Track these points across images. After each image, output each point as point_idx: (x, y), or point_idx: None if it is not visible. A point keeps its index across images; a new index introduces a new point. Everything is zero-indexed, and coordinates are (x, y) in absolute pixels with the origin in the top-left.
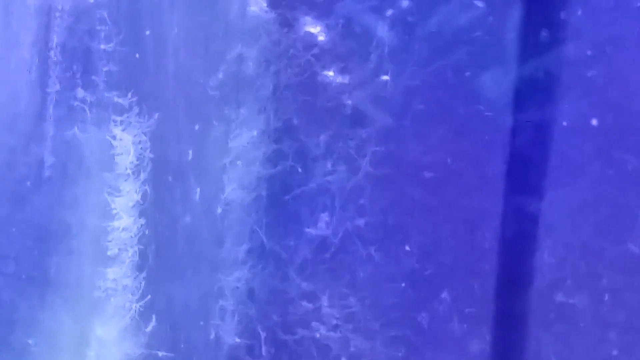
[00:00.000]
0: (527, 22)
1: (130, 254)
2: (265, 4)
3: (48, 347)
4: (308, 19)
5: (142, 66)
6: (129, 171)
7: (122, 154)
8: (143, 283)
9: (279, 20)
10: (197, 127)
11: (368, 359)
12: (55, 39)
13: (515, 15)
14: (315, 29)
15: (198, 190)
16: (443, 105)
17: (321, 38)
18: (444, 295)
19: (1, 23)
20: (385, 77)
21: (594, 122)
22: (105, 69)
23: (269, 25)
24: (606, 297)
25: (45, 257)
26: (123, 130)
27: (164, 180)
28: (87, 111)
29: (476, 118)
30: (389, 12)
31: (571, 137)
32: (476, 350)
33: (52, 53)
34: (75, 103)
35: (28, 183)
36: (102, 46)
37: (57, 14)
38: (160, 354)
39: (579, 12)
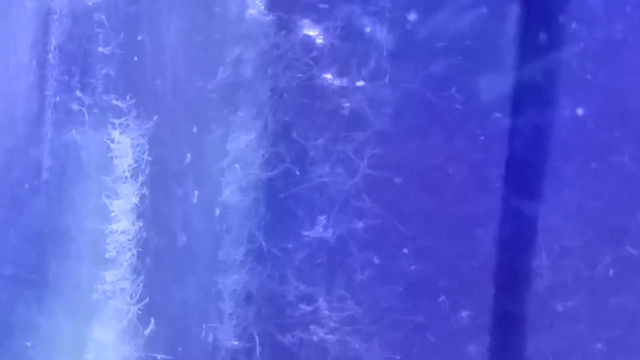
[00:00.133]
0: (525, 25)
1: (128, 257)
2: (263, 7)
3: (46, 350)
4: (306, 22)
5: (140, 69)
6: (127, 174)
7: (120, 156)
8: (141, 286)
9: (277, 23)
10: (195, 129)
11: None
12: (53, 42)
13: (513, 19)
14: (313, 32)
15: (196, 192)
16: (441, 108)
17: (319, 41)
18: (442, 298)
19: None
20: (384, 80)
21: (592, 124)
22: (103, 71)
23: (267, 28)
24: (605, 300)
25: (44, 260)
26: (121, 133)
27: (162, 183)
28: (86, 114)
29: (474, 121)
30: (387, 16)
31: (569, 139)
32: (474, 353)
33: (50, 56)
34: (74, 106)
35: (26, 186)
36: (101, 49)
37: (56, 17)
38: (158, 356)
39: (577, 15)
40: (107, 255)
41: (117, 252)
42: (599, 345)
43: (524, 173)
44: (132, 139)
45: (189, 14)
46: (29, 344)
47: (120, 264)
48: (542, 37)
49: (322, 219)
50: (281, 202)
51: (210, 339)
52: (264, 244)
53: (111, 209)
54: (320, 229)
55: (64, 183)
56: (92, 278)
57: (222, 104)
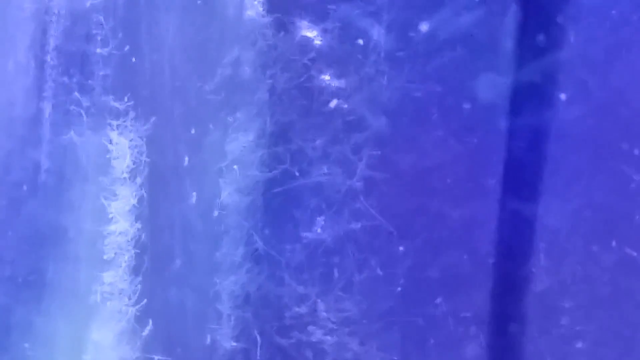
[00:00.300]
0: (523, 26)
1: (126, 258)
2: (261, 8)
3: (44, 351)
4: (304, 23)
5: (138, 70)
6: (125, 175)
7: (118, 157)
8: (139, 287)
9: (276, 25)
10: (193, 131)
11: None
12: (51, 43)
13: (511, 20)
14: (311, 33)
15: (194, 194)
16: (438, 109)
17: (317, 42)
18: (440, 299)
19: None
20: (381, 81)
21: (590, 125)
22: (101, 73)
23: (265, 29)
24: (603, 301)
25: (42, 261)
26: (119, 134)
27: (160, 184)
28: (84, 115)
29: (472, 122)
30: (385, 17)
31: (567, 142)
32: (472, 355)
33: (48, 57)
34: (72, 107)
35: (24, 187)
36: (99, 50)
37: (54, 18)
38: (156, 357)
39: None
40: (105, 257)
41: (115, 253)
42: (597, 346)
43: (522, 175)
44: (131, 140)
45: (187, 15)
46: (27, 345)
47: (119, 265)
48: (541, 38)
49: (320, 220)
50: (279, 203)
51: (208, 340)
52: (262, 245)
53: (109, 210)
54: (318, 230)
55: (62, 184)
56: (90, 279)
57: (220, 105)
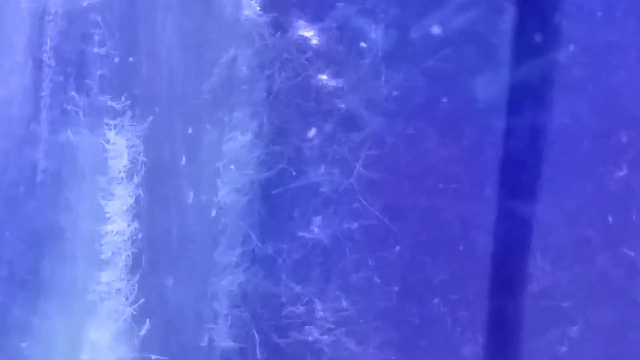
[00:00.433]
0: (520, 26)
1: (123, 258)
2: (258, 8)
3: (41, 351)
4: (301, 22)
5: (135, 70)
6: (122, 175)
7: (115, 157)
8: (136, 286)
9: (273, 24)
10: (190, 130)
11: None
12: (48, 43)
13: (508, 20)
14: (308, 33)
15: (191, 193)
16: (436, 109)
17: (314, 42)
18: (437, 299)
19: None
20: (379, 81)
21: (588, 125)
22: (98, 72)
23: (262, 29)
24: (600, 301)
25: (39, 261)
26: (116, 133)
27: (158, 183)
28: (81, 115)
29: (469, 122)
30: (382, 16)
31: (565, 141)
32: (469, 354)
33: (45, 56)
34: (69, 107)
35: (21, 187)
36: (96, 50)
37: (51, 18)
38: (153, 357)
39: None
40: (102, 256)
41: (113, 252)
42: (595, 346)
43: (519, 174)
44: (128, 139)
45: (185, 14)
46: (24, 344)
47: (116, 265)
48: (538, 38)
49: (317, 219)
50: (276, 202)
51: (205, 340)
52: (259, 244)
53: (106, 209)
54: (316, 230)
55: (59, 184)
56: (88, 279)
57: (217, 104)
